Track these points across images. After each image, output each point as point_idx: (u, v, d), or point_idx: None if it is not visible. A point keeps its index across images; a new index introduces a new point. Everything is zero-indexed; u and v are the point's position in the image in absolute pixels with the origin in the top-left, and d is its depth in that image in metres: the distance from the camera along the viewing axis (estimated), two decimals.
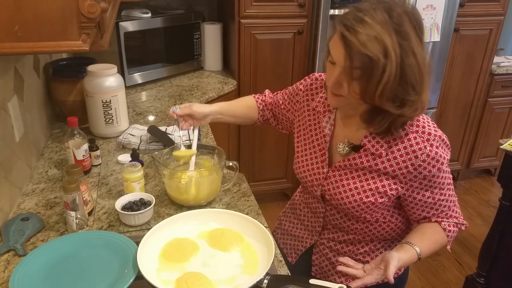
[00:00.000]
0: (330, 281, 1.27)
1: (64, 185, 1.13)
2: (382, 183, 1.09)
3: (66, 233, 1.20)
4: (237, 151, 2.88)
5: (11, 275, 0.98)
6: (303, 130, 1.26)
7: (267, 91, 1.46)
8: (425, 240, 1.12)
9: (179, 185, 1.30)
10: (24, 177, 1.44)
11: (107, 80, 1.71)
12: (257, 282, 0.94)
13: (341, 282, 1.27)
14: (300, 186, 1.42)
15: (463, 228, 1.18)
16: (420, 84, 0.96)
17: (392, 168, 1.07)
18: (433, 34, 2.77)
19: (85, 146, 1.48)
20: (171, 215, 1.21)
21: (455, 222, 1.16)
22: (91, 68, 1.72)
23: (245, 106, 1.43)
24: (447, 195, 1.12)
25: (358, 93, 0.96)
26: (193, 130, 1.41)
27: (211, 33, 2.74)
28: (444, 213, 1.15)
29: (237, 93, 2.70)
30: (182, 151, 1.37)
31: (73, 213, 1.16)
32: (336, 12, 2.61)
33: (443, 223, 1.15)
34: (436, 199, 1.11)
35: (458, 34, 2.92)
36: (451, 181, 1.13)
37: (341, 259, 1.08)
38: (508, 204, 2.01)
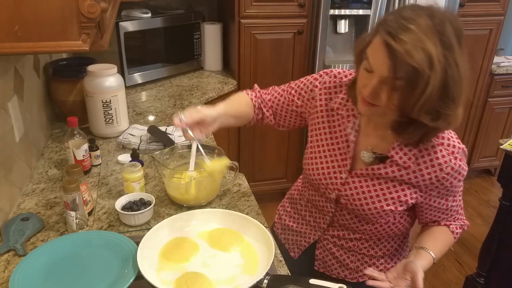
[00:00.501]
0: (333, 274, 1.28)
1: (64, 185, 1.13)
2: (404, 192, 1.09)
3: (66, 233, 1.20)
4: (237, 151, 2.88)
5: (11, 275, 0.98)
6: (319, 130, 1.20)
7: (256, 87, 1.35)
8: (438, 244, 1.14)
9: (179, 185, 1.30)
10: (24, 177, 1.44)
11: (107, 80, 1.71)
12: (257, 282, 0.95)
13: (345, 276, 1.28)
14: (299, 182, 1.41)
15: (465, 228, 1.21)
16: (459, 97, 0.93)
17: (417, 180, 1.07)
18: None
19: (85, 146, 1.48)
20: (171, 215, 1.21)
21: (460, 224, 1.19)
22: (91, 68, 1.72)
23: (243, 104, 1.31)
24: (457, 200, 1.15)
25: (397, 105, 0.93)
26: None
27: (211, 33, 2.74)
28: (452, 217, 1.18)
29: None
30: (213, 163, 1.25)
31: (73, 213, 1.16)
32: (336, 12, 2.62)
33: (451, 226, 1.17)
34: (449, 205, 1.14)
35: None
36: (462, 188, 1.15)
37: (367, 271, 1.07)
38: (508, 204, 2.01)
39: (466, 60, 0.91)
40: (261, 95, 1.32)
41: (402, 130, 1.00)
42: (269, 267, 0.98)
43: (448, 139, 1.05)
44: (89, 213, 1.28)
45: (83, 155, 1.47)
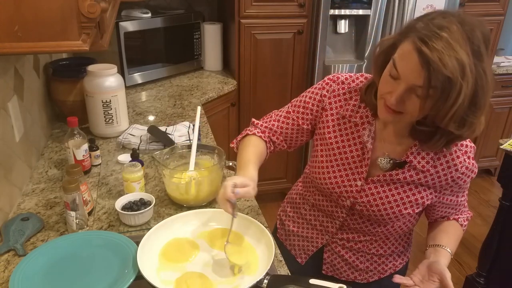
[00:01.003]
0: (343, 277, 1.28)
1: (64, 185, 1.13)
2: (421, 195, 1.09)
3: (66, 233, 1.20)
4: None
5: (11, 275, 0.98)
6: (329, 139, 1.16)
7: (256, 121, 1.30)
8: (452, 239, 1.16)
9: (179, 185, 1.30)
10: (24, 177, 1.44)
11: (107, 80, 1.71)
12: (257, 282, 0.94)
13: (355, 278, 1.28)
14: (299, 185, 1.39)
15: (470, 219, 1.23)
16: (485, 105, 0.92)
17: (433, 181, 1.07)
18: None
19: (85, 146, 1.48)
20: (171, 215, 1.21)
21: (466, 217, 1.22)
22: (91, 68, 1.72)
23: (262, 151, 1.22)
24: (465, 195, 1.18)
25: (428, 114, 0.92)
26: (193, 130, 1.40)
27: (211, 33, 2.74)
28: (460, 211, 1.20)
29: (237, 93, 2.70)
30: (235, 255, 1.03)
31: (73, 213, 1.16)
32: (336, 12, 2.62)
33: (460, 219, 1.20)
34: (459, 201, 1.16)
35: None
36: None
37: (395, 279, 1.06)
38: (508, 204, 2.01)
39: (491, 65, 0.91)
40: (266, 127, 1.26)
41: (427, 139, 1.00)
42: (269, 267, 0.98)
43: None
44: (89, 213, 1.28)
45: (83, 155, 1.47)
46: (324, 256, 1.30)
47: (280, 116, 1.26)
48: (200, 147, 1.40)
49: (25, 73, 1.55)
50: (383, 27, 2.70)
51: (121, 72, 2.32)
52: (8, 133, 1.33)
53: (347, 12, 2.64)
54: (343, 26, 2.75)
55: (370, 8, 2.64)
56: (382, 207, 1.11)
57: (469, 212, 1.23)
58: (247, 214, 1.27)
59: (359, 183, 1.13)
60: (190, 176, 1.28)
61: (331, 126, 1.16)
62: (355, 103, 1.12)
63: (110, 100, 1.73)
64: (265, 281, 0.95)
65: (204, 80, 2.66)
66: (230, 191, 1.00)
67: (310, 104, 1.19)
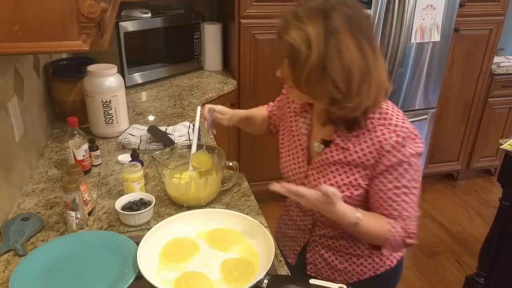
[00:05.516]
0: (324, 278, 1.28)
1: (64, 185, 1.13)
2: (354, 176, 1.11)
3: (66, 233, 1.20)
4: (237, 151, 2.88)
5: (11, 275, 0.98)
6: (284, 130, 1.31)
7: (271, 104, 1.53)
8: (371, 218, 1.08)
9: (179, 185, 1.30)
10: (24, 177, 1.44)
11: (107, 80, 1.72)
12: (257, 282, 0.95)
13: (335, 278, 1.28)
14: None
15: (408, 241, 1.09)
16: (347, 85, 0.99)
17: (361, 160, 1.09)
18: (433, 34, 2.77)
19: (85, 146, 1.48)
20: (171, 215, 1.21)
21: (404, 228, 1.09)
22: (91, 68, 1.73)
23: (259, 111, 1.50)
24: (411, 198, 1.08)
25: (292, 81, 1.06)
26: (193, 130, 1.41)
27: (211, 33, 2.74)
28: (401, 216, 1.08)
29: (237, 93, 2.70)
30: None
31: (73, 213, 1.16)
32: None
33: (392, 223, 1.08)
34: (399, 195, 1.07)
35: (458, 34, 2.91)
36: (418, 185, 1.09)
37: (273, 186, 1.04)
38: (508, 204, 2.01)
39: (364, 51, 0.99)
40: (268, 104, 1.51)
41: (330, 120, 1.09)
42: (269, 267, 0.98)
43: (391, 119, 1.07)
44: (89, 213, 1.28)
45: (83, 155, 1.48)
46: (307, 255, 1.31)
47: (275, 103, 1.49)
48: (200, 147, 1.40)
49: (25, 73, 1.55)
50: (383, 27, 2.70)
51: (121, 72, 2.32)
52: (8, 133, 1.33)
53: None
54: None
55: (370, 8, 2.64)
56: None
57: (413, 231, 1.09)
58: (247, 214, 1.28)
59: (304, 169, 1.21)
60: (190, 176, 1.28)
61: (285, 122, 1.30)
62: None
63: (110, 100, 1.73)
64: (265, 281, 0.95)
65: (204, 80, 2.66)
66: (207, 111, 1.36)
67: (280, 101, 1.41)
